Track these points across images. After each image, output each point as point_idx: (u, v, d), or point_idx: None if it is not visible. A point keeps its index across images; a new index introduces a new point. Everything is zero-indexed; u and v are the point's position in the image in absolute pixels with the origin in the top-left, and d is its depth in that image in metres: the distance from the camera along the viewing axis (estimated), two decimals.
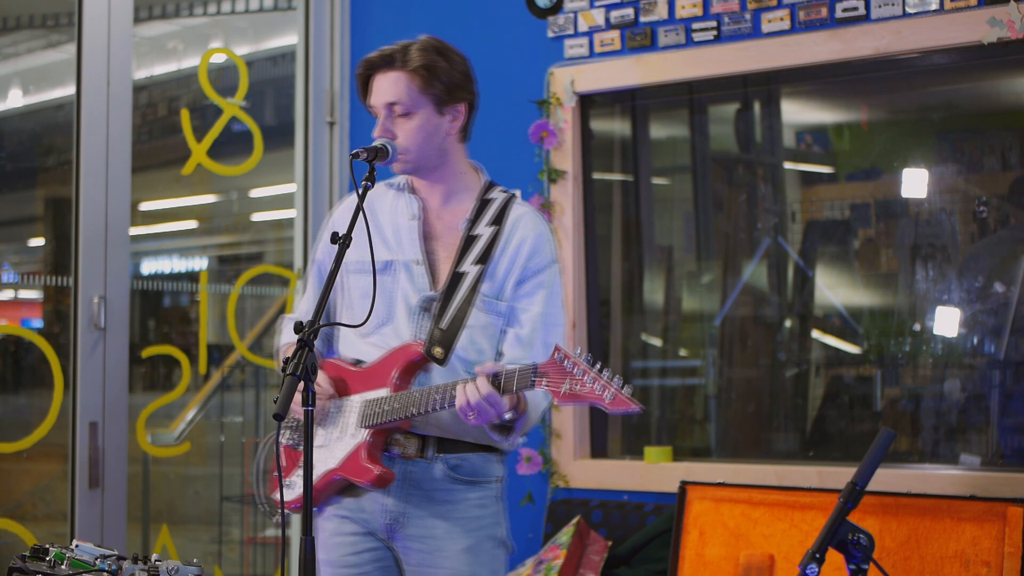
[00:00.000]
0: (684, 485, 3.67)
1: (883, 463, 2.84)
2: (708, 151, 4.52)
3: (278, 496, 2.27)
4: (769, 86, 4.26)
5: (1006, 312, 3.90)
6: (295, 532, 4.34)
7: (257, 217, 5.56)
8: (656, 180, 4.68)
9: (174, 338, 4.78)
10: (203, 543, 4.98)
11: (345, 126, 4.70)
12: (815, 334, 4.46)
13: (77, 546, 2.46)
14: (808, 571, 2.58)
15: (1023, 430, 3.89)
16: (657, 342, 4.63)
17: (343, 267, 2.70)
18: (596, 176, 4.34)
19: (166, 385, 4.49)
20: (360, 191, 2.53)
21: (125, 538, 4.02)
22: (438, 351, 2.63)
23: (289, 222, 4.73)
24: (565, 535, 3.81)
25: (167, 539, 4.27)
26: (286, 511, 2.70)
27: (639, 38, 4.09)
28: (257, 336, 4.83)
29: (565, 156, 4.20)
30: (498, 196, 2.80)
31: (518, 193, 2.92)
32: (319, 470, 2.67)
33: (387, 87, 2.70)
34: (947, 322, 4.04)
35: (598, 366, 2.36)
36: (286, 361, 2.23)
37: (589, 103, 4.27)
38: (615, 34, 4.14)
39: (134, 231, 4.12)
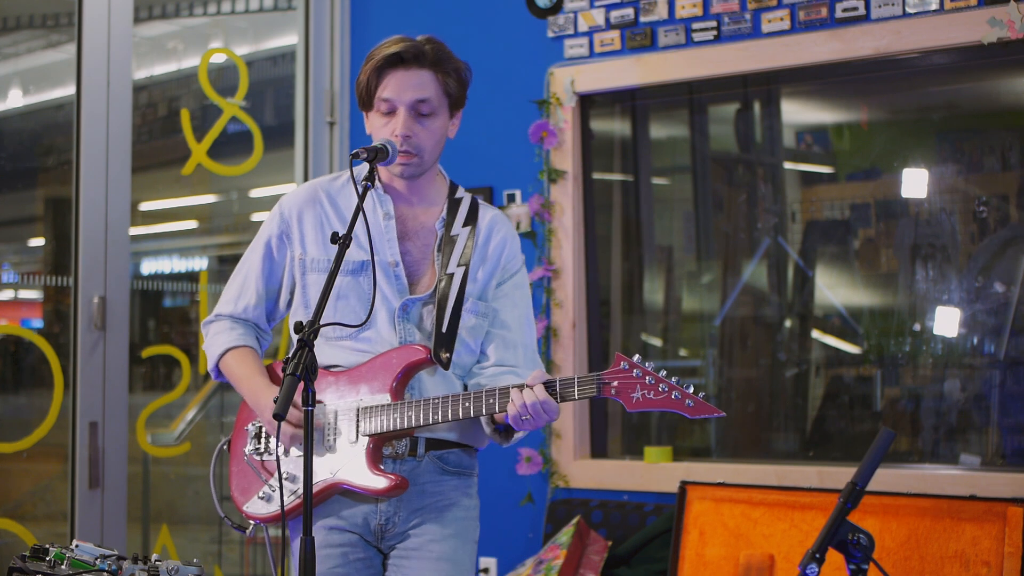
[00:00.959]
0: (684, 485, 3.67)
1: (883, 463, 2.85)
2: (708, 151, 4.52)
3: (238, 518, 2.24)
4: (769, 86, 4.26)
5: (1006, 312, 3.90)
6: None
7: (257, 217, 5.54)
8: (656, 180, 4.68)
9: (174, 338, 4.77)
10: (203, 543, 4.97)
11: (345, 126, 4.70)
12: (815, 334, 4.46)
13: (77, 546, 2.46)
14: (808, 571, 2.59)
15: (1023, 430, 3.89)
16: (657, 342, 4.63)
17: (293, 263, 2.71)
18: (596, 176, 4.35)
19: (166, 385, 4.48)
20: (360, 191, 2.52)
21: (125, 538, 4.02)
22: (445, 355, 2.62)
23: None
24: (565, 535, 3.81)
25: (167, 539, 4.27)
26: (261, 523, 2.70)
27: (639, 38, 4.09)
28: None
29: (565, 156, 4.20)
30: (464, 196, 2.80)
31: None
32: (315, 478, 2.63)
33: (416, 83, 2.63)
34: (947, 322, 4.04)
35: (663, 372, 2.39)
36: (286, 361, 2.23)
37: (589, 103, 4.27)
38: (615, 34, 4.14)
39: (134, 231, 4.12)
